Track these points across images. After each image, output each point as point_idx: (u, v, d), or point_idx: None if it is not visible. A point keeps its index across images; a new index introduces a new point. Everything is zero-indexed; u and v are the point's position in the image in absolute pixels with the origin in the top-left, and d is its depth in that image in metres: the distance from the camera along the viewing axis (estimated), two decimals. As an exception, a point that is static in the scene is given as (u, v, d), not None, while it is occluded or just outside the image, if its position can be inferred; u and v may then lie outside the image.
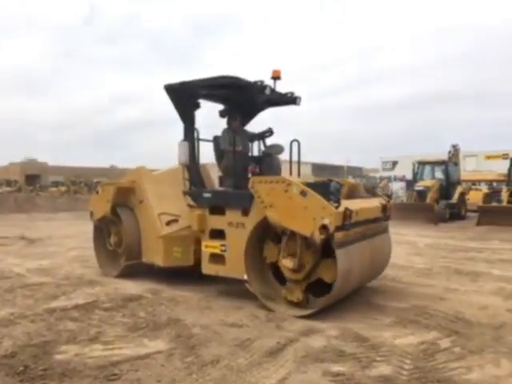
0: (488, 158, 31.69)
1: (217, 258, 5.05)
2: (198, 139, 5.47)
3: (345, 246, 4.19)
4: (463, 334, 3.81)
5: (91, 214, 6.54)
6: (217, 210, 5.08)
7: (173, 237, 5.62)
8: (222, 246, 4.99)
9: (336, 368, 3.14)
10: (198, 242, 5.34)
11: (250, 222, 4.72)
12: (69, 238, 10.83)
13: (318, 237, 4.07)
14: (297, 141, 5.55)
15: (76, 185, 35.04)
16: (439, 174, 17.14)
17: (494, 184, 22.76)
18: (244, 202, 4.80)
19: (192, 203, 5.38)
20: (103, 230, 6.57)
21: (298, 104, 5.82)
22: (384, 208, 5.08)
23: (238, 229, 4.85)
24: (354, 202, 4.57)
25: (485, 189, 20.90)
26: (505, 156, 17.89)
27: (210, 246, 5.12)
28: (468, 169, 29.40)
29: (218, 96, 5.80)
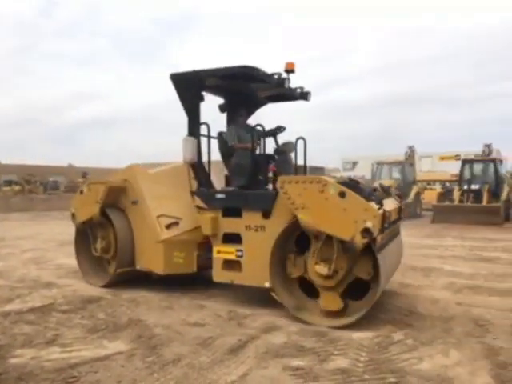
0: (442, 159, 33.08)
1: (231, 265, 4.69)
2: (209, 135, 4.99)
3: (382, 249, 4.07)
4: (416, 327, 4.01)
5: (73, 216, 5.94)
6: (231, 212, 4.71)
7: (174, 241, 5.13)
8: (237, 251, 4.63)
9: (295, 362, 3.23)
10: (201, 247, 5.11)
11: (273, 224, 4.39)
12: (23, 240, 10.43)
13: (360, 241, 3.80)
14: (303, 139, 5.30)
15: (31, 184, 33.62)
16: (396, 174, 17.78)
17: (447, 184, 23.83)
18: (265, 203, 4.49)
19: (202, 205, 4.92)
20: (88, 234, 5.92)
21: (309, 99, 5.54)
22: (399, 209, 5.00)
23: (257, 232, 4.50)
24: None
25: (439, 188, 21.87)
26: (457, 157, 18.83)
27: (223, 252, 4.74)
28: (424, 169, 30.57)
29: (227, 88, 5.39)
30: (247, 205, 4.60)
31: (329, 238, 4.00)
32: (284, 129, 5.51)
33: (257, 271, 4.43)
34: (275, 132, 5.54)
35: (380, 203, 3.94)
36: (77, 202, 5.94)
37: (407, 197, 16.57)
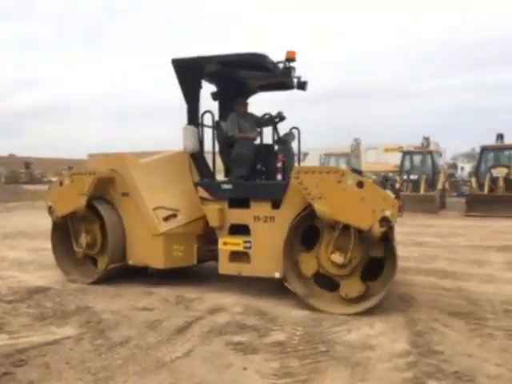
0: (386, 150, 34.54)
1: (239, 256, 4.65)
2: (216, 125, 4.92)
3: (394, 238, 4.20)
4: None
5: (50, 209, 5.52)
6: (239, 203, 4.65)
7: (173, 234, 4.99)
8: (245, 242, 4.58)
9: (237, 338, 3.50)
10: (200, 240, 5.08)
11: (283, 215, 4.39)
12: (-38, 233, 9.98)
13: (378, 230, 3.86)
14: (296, 128, 5.25)
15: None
16: (343, 166, 18.56)
17: (391, 174, 25.09)
18: (275, 193, 4.45)
19: (207, 196, 4.81)
20: (68, 228, 5.52)
21: (306, 89, 5.37)
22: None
23: (266, 223, 4.48)
24: None
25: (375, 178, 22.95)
26: (400, 149, 19.89)
27: (229, 243, 4.68)
28: (369, 160, 31.85)
29: (224, 76, 5.21)
30: (256, 195, 4.57)
31: (344, 227, 4.05)
32: (284, 117, 5.38)
33: (266, 262, 4.46)
34: (275, 121, 5.43)
35: (396, 192, 4.12)
36: (55, 195, 5.54)
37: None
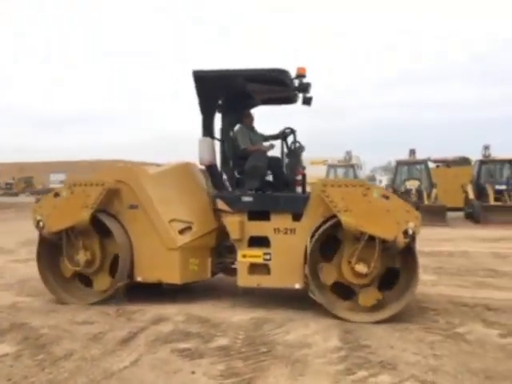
0: (312, 163, 36.25)
1: (259, 268, 4.69)
2: (226, 137, 5.00)
3: None
4: (284, 308, 4.70)
5: (39, 224, 4.95)
6: (258, 215, 4.70)
7: (190, 247, 4.85)
8: (265, 254, 4.63)
9: (182, 345, 3.64)
10: (213, 252, 5.03)
11: (304, 227, 4.51)
12: None
13: (402, 240, 4.05)
14: (291, 129, 5.20)
15: None
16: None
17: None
18: (297, 205, 4.57)
19: (226, 208, 4.80)
20: (57, 245, 5.04)
21: (311, 105, 5.33)
22: None
23: (286, 235, 4.57)
24: None
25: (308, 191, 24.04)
26: (325, 162, 21.05)
27: (249, 256, 4.68)
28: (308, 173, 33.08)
29: (235, 88, 5.09)
30: (277, 207, 4.63)
31: (369, 238, 4.19)
32: (294, 131, 5.36)
33: (286, 273, 4.55)
34: (285, 134, 5.42)
35: (417, 205, 4.39)
36: (47, 208, 5.01)
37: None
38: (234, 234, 4.70)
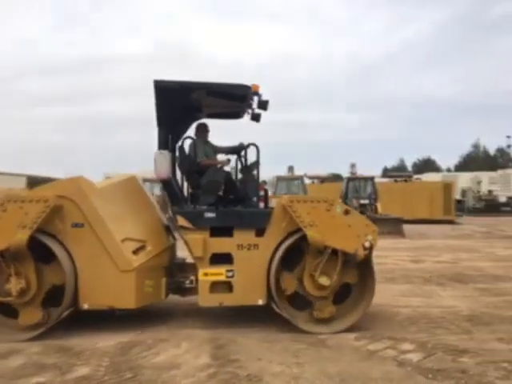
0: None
1: (221, 287, 4.52)
2: (180, 150, 4.86)
3: None
4: (154, 329, 4.54)
5: None
6: (221, 231, 4.55)
7: (145, 268, 4.46)
8: (228, 271, 4.50)
9: (35, 380, 3.27)
10: (166, 272, 4.74)
11: (266, 242, 4.52)
12: None
13: (362, 253, 4.32)
14: (254, 145, 4.98)
15: None
16: (157, 191, 18.68)
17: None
18: (260, 221, 4.56)
19: (187, 224, 4.52)
20: None
21: (259, 121, 5.16)
22: None
23: (250, 251, 4.51)
24: None
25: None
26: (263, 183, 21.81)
27: (211, 274, 4.50)
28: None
29: (189, 100, 4.88)
30: (240, 223, 4.55)
31: (332, 252, 4.37)
32: (248, 146, 5.20)
33: (249, 290, 4.50)
34: (239, 149, 5.28)
35: (372, 219, 4.48)
36: None
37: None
38: (196, 251, 4.52)
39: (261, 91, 4.81)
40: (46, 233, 4.39)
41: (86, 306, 4.44)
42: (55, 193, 4.45)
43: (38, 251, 4.33)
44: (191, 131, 5.32)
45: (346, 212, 4.52)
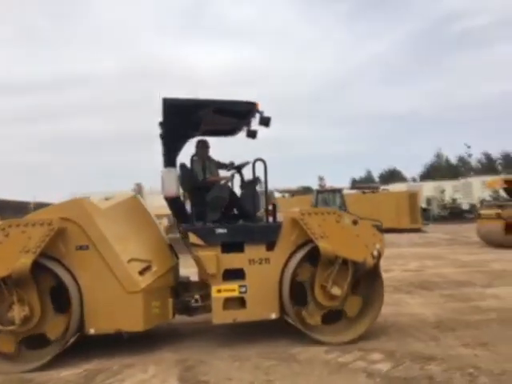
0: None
1: (234, 303, 4.51)
2: (181, 168, 4.88)
3: None
4: (120, 355, 4.40)
5: None
6: (232, 247, 4.54)
7: (152, 289, 4.38)
8: (241, 287, 4.49)
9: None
10: (172, 292, 4.67)
11: (277, 256, 4.57)
12: None
13: (371, 262, 4.44)
14: (262, 160, 4.84)
15: None
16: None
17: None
18: (270, 235, 4.60)
19: (199, 242, 4.48)
20: None
21: (255, 137, 5.15)
22: None
23: (261, 265, 4.54)
24: None
25: (165, 222, 23.70)
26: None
27: (224, 290, 4.47)
28: (156, 205, 32.34)
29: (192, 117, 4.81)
30: (251, 238, 4.58)
31: (342, 262, 4.46)
32: (249, 163, 5.09)
33: (262, 305, 4.51)
34: (240, 166, 5.29)
35: (379, 228, 4.66)
36: None
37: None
38: (210, 268, 4.46)
39: (261, 108, 4.87)
40: (50, 257, 4.26)
41: (92, 331, 4.30)
42: (59, 215, 4.33)
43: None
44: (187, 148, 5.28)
45: (355, 222, 4.65)
